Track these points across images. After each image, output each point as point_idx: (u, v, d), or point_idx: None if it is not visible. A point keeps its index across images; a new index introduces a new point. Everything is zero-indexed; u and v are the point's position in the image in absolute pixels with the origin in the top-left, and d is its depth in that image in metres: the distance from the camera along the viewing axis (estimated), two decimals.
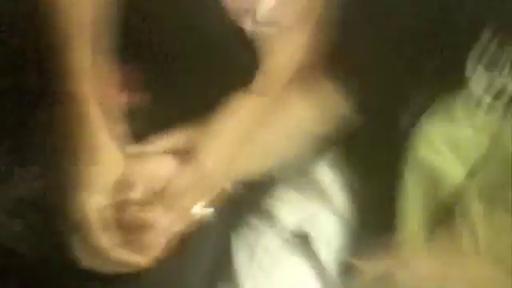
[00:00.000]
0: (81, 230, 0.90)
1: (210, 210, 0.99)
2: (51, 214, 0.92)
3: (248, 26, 1.01)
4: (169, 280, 0.97)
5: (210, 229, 1.00)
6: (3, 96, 0.97)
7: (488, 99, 0.99)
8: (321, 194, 1.12)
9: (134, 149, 0.94)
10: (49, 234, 0.93)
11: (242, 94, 0.98)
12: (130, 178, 0.92)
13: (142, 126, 0.98)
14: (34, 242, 0.95)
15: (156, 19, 0.98)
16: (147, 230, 0.92)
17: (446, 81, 1.01)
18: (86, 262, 0.92)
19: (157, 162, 0.94)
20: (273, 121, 1.03)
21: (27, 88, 0.96)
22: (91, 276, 0.91)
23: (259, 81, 0.99)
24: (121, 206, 0.91)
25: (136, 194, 0.91)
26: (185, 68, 0.98)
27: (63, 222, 0.91)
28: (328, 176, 1.11)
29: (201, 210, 0.98)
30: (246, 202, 1.07)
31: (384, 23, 1.04)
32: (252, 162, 1.03)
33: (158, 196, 0.93)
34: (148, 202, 0.93)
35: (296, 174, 1.11)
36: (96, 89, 0.91)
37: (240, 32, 1.01)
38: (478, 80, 1.00)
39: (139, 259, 0.92)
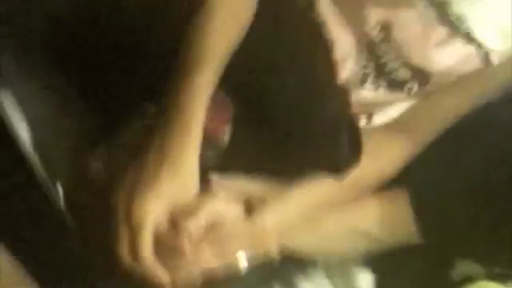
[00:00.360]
0: (131, 226, 0.90)
1: (245, 264, 0.99)
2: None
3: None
4: None
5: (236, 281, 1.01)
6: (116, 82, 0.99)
7: None
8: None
9: (213, 181, 0.96)
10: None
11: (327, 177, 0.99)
12: (195, 207, 0.92)
13: (222, 161, 0.99)
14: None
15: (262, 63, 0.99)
16: (181, 257, 0.92)
17: None
18: (123, 259, 0.92)
19: (224, 203, 0.95)
20: (341, 211, 1.03)
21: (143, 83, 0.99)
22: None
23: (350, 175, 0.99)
24: (172, 227, 0.92)
25: (192, 224, 0.92)
26: (283, 130, 0.98)
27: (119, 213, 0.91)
28: (364, 279, 1.12)
29: (239, 260, 0.98)
30: (278, 268, 1.07)
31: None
32: (304, 240, 1.03)
33: (209, 230, 0.94)
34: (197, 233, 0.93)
35: (335, 263, 1.12)
36: (203, 110, 0.93)
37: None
38: None
39: (165, 279, 0.91)
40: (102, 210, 0.93)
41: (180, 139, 0.92)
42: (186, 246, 0.92)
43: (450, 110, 1.04)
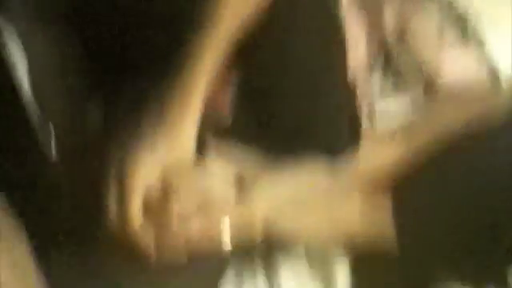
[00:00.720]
0: (122, 186, 0.90)
1: (228, 241, 0.97)
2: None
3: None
4: None
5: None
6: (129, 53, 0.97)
7: None
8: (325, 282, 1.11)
9: (208, 157, 0.95)
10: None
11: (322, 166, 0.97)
12: (187, 177, 0.92)
13: (221, 139, 0.98)
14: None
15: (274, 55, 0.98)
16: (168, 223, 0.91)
17: None
18: (111, 217, 0.91)
19: (218, 180, 0.94)
20: (325, 202, 1.01)
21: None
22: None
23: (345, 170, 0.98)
24: (163, 193, 0.91)
25: (182, 193, 0.91)
26: (287, 109, 0.97)
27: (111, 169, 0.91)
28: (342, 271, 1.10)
29: (223, 236, 0.97)
30: (260, 253, 1.06)
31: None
32: (286, 223, 1.02)
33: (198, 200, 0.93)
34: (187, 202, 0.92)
35: (316, 253, 1.11)
36: (207, 82, 0.93)
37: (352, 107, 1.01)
38: None
39: (150, 242, 0.91)
40: (93, 162, 0.92)
41: (180, 108, 0.92)
42: (175, 212, 0.91)
43: (450, 121, 1.02)
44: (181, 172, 0.92)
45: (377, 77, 1.06)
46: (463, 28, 1.02)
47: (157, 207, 0.91)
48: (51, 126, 1.00)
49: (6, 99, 0.99)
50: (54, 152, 1.00)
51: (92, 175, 0.93)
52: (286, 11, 0.98)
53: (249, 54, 0.98)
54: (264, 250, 1.08)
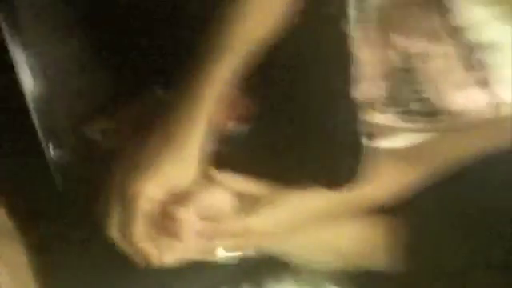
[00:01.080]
0: (124, 207, 0.90)
1: (221, 256, 0.99)
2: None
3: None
4: None
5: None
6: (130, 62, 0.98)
7: None
8: None
9: (213, 174, 0.95)
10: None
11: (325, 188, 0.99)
12: (191, 196, 0.92)
13: (230, 157, 0.99)
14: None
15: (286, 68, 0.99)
16: (176, 228, 0.92)
17: None
18: (112, 234, 0.92)
19: (221, 197, 0.95)
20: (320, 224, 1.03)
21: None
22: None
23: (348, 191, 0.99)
24: (166, 210, 0.92)
25: (185, 211, 0.92)
26: (291, 134, 0.98)
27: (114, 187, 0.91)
28: None
29: (216, 252, 0.98)
30: (250, 268, 1.07)
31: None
32: (281, 243, 1.03)
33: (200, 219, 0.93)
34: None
35: (306, 272, 1.12)
36: (214, 102, 0.93)
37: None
38: None
39: (154, 257, 0.92)
40: (93, 180, 0.93)
41: (186, 125, 0.91)
42: (177, 230, 0.91)
43: (459, 149, 1.04)
44: (185, 191, 0.92)
45: (384, 106, 1.06)
46: (470, 58, 1.02)
47: (159, 225, 0.91)
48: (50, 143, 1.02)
49: (13, 107, 1.00)
50: (58, 162, 1.01)
51: (97, 190, 0.93)
52: (297, 37, 0.99)
53: (258, 77, 0.98)
54: (254, 270, 1.09)
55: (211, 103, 0.93)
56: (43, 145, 1.02)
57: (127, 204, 0.89)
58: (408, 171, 1.04)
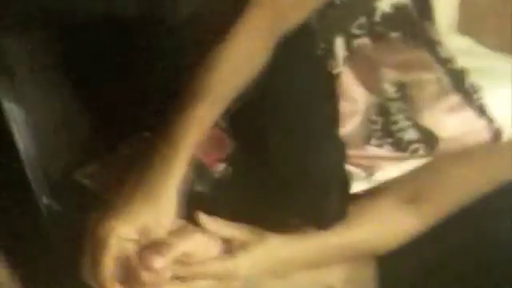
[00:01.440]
0: (95, 244, 0.89)
1: None
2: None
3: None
4: None
5: None
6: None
7: None
8: None
9: (198, 217, 0.94)
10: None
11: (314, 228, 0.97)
12: (168, 240, 0.90)
13: (215, 199, 0.98)
14: None
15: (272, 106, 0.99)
16: (150, 277, 0.90)
17: None
18: (85, 275, 0.91)
19: (202, 241, 0.93)
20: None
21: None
22: None
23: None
24: (138, 254, 0.90)
25: (160, 260, 0.90)
26: (276, 176, 0.97)
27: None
28: None
29: None
30: None
31: None
32: (267, 283, 1.01)
33: (178, 263, 0.92)
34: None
35: None
36: (194, 145, 0.92)
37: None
38: None
39: None
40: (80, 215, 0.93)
41: (162, 168, 0.90)
42: (149, 279, 0.89)
43: (459, 182, 1.02)
44: (160, 233, 0.90)
45: (375, 137, 1.05)
46: (463, 85, 1.01)
47: (131, 269, 0.89)
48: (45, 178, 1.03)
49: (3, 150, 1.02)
50: (46, 201, 1.02)
51: (78, 229, 0.93)
52: (282, 72, 0.98)
53: (243, 117, 0.98)
54: None
55: (190, 145, 0.92)
56: (36, 196, 1.03)
57: (98, 242, 0.88)
58: (409, 210, 1.02)
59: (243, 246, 0.95)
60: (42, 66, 1.07)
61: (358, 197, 1.02)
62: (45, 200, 1.04)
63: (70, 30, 1.05)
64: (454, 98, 1.00)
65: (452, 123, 1.00)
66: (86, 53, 1.05)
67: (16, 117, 1.04)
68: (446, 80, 1.01)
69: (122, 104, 1.05)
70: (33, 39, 1.05)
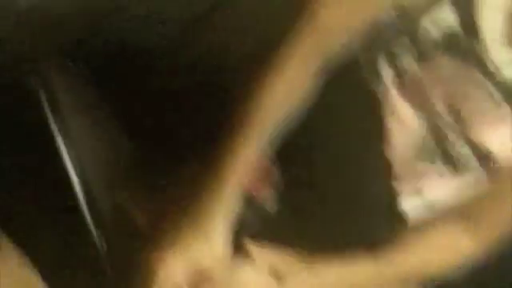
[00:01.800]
0: (146, 277, 0.90)
1: None
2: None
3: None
4: None
5: None
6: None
7: None
8: None
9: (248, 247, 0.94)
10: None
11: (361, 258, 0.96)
12: (222, 276, 0.91)
13: (260, 225, 0.98)
14: None
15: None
16: None
17: None
18: None
19: (254, 274, 0.93)
20: None
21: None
22: None
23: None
24: None
25: None
26: (325, 203, 0.96)
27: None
28: None
29: None
30: None
31: None
32: None
33: None
34: None
35: None
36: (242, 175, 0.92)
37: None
38: None
39: None
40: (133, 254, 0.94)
41: (211, 204, 0.91)
42: None
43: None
44: (212, 272, 0.90)
45: (426, 154, 1.03)
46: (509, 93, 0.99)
47: None
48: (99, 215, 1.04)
49: (56, 186, 1.03)
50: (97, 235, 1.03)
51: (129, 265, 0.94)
52: (327, 103, 0.98)
53: (290, 145, 0.98)
54: None
55: (237, 179, 0.92)
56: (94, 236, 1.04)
57: (149, 278, 0.89)
58: (464, 232, 1.00)
59: (292, 272, 0.94)
60: (87, 101, 1.08)
61: (412, 221, 1.01)
62: (95, 231, 1.05)
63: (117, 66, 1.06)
64: (506, 110, 0.98)
65: (504, 134, 0.98)
66: (134, 87, 1.06)
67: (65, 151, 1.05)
68: (495, 93, 0.99)
69: (169, 137, 1.05)
70: (79, 75, 1.06)
